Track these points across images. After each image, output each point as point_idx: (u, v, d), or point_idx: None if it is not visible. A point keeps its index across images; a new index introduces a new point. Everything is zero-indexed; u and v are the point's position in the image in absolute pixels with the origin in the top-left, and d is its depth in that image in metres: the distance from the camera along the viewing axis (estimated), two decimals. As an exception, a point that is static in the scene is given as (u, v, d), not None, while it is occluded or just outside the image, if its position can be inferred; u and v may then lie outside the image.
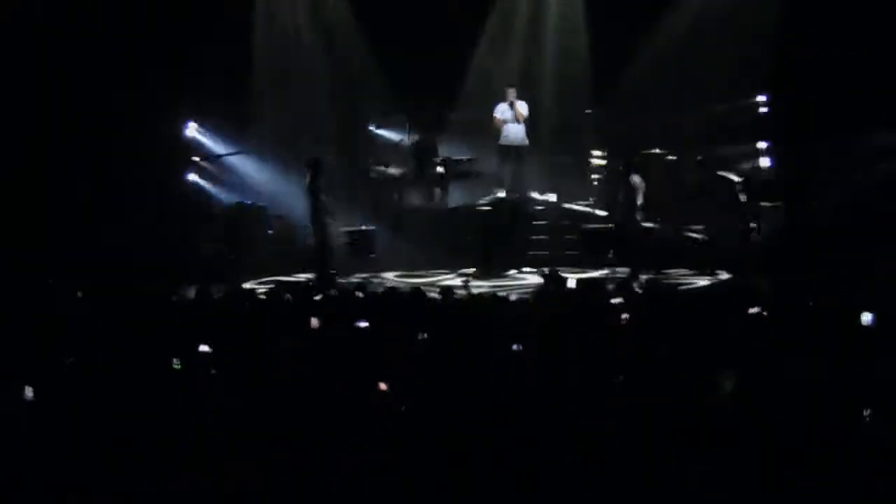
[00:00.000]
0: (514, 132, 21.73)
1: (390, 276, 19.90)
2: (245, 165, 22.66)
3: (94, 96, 21.04)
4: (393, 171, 21.81)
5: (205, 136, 22.76)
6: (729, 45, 21.82)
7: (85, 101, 20.95)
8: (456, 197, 22.17)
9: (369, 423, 8.62)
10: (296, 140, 22.83)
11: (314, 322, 11.96)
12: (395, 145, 22.98)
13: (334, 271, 19.21)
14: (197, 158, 22.46)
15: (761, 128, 21.99)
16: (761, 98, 22.04)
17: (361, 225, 20.93)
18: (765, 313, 11.72)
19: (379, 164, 21.97)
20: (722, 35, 21.99)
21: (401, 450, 8.25)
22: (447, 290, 13.69)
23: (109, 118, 21.10)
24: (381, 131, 23.35)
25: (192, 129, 22.63)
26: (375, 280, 19.15)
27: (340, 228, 20.26)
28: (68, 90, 20.81)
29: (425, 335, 11.04)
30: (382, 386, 9.33)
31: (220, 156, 22.60)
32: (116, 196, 20.83)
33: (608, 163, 22.25)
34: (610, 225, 20.38)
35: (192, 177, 22.37)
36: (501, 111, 21.69)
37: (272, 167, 22.57)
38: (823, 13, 20.70)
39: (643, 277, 17.25)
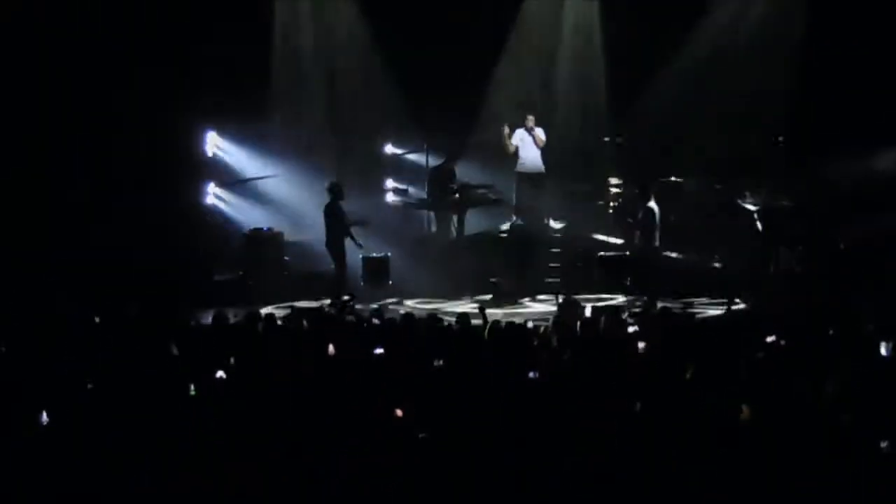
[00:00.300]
0: (531, 159, 21.71)
1: (407, 303, 19.88)
2: (264, 187, 22.66)
3: (112, 113, 21.11)
4: None
5: (226, 153, 22.75)
6: (748, 74, 21.85)
7: (102, 119, 21.02)
8: (473, 223, 22.15)
9: (385, 447, 8.61)
10: (314, 163, 22.83)
11: (331, 349, 11.97)
12: (414, 170, 23.05)
13: (352, 297, 19.20)
14: (219, 181, 22.45)
15: (781, 157, 21.98)
16: (780, 128, 22.03)
17: (379, 251, 20.91)
18: (782, 342, 11.70)
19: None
20: (741, 64, 22.02)
21: (416, 475, 8.24)
22: (464, 317, 13.68)
23: (127, 135, 21.13)
24: (400, 154, 23.43)
25: (211, 146, 22.59)
26: (392, 307, 19.15)
27: (359, 255, 20.25)
28: (84, 103, 20.88)
29: (441, 362, 11.04)
30: (398, 412, 9.33)
31: (242, 181, 22.60)
32: (135, 217, 20.77)
33: (625, 190, 22.22)
34: (627, 252, 20.35)
35: (211, 198, 22.38)
36: (520, 137, 21.66)
37: (290, 190, 22.55)
38: (844, 42, 20.74)
39: (660, 305, 17.23)
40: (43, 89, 20.78)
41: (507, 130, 21.61)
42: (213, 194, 22.41)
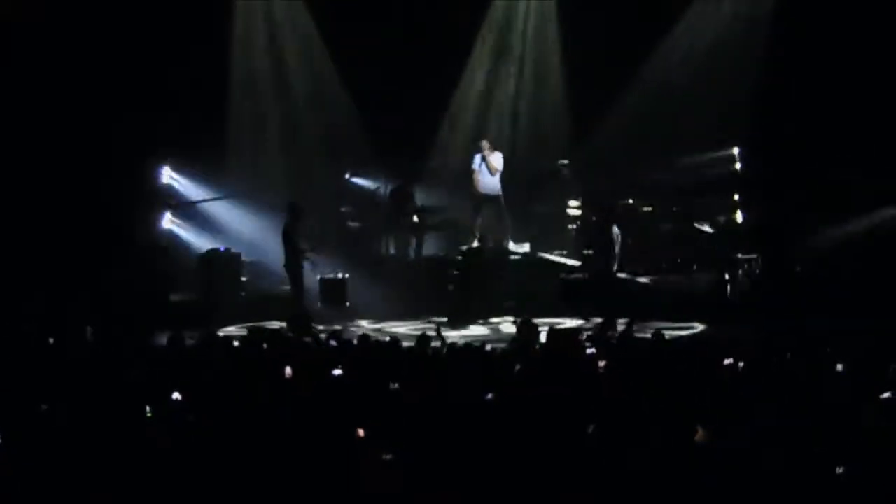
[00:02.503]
0: (487, 182, 21.74)
1: (364, 325, 19.84)
2: (219, 211, 22.62)
3: (68, 140, 21.05)
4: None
5: (179, 181, 22.73)
6: (705, 97, 21.99)
7: (58, 145, 20.94)
8: (431, 246, 22.18)
9: (349, 467, 8.58)
10: (270, 186, 22.84)
11: (288, 371, 11.93)
12: (370, 194, 23.05)
13: (309, 318, 19.14)
14: (171, 205, 22.38)
15: (736, 180, 22.14)
16: (736, 151, 22.18)
17: (336, 273, 20.86)
18: (739, 364, 11.73)
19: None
20: (699, 88, 22.16)
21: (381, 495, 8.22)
22: (422, 339, 13.65)
23: (82, 162, 21.07)
24: (356, 179, 23.40)
25: (166, 175, 22.59)
26: (350, 328, 19.11)
27: (316, 276, 20.19)
28: (41, 132, 20.81)
29: (396, 385, 11.02)
30: (360, 432, 9.29)
31: (195, 202, 22.56)
32: (88, 241, 20.69)
33: (584, 213, 22.28)
34: (586, 275, 20.38)
35: (166, 223, 22.30)
36: (477, 163, 21.69)
37: (247, 212, 22.53)
38: (802, 68, 20.94)
39: (619, 327, 17.26)
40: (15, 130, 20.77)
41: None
42: (170, 220, 22.32)
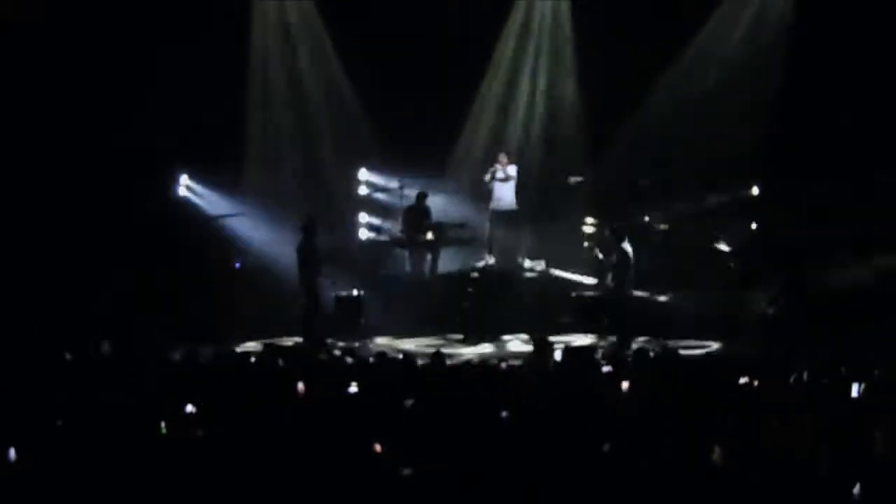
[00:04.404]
0: (505, 198, 21.75)
1: (379, 341, 19.82)
2: (237, 226, 22.62)
3: (86, 154, 21.08)
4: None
5: (197, 193, 22.75)
6: (723, 113, 21.93)
7: (76, 161, 20.96)
8: (446, 262, 22.16)
9: (368, 482, 8.57)
10: (288, 200, 22.87)
11: (300, 387, 11.93)
12: (386, 209, 23.09)
13: (324, 335, 19.15)
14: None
15: (754, 200, 22.09)
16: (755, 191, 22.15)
17: (351, 290, 20.85)
18: (755, 383, 11.71)
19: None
20: (717, 104, 22.10)
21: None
22: (437, 356, 13.66)
23: (101, 175, 21.10)
24: (373, 178, 23.49)
25: (183, 187, 22.60)
26: (365, 345, 19.10)
27: (332, 292, 20.18)
28: (49, 138, 20.85)
29: (411, 402, 11.01)
30: (377, 447, 9.29)
31: (213, 218, 22.56)
32: (106, 252, 20.70)
33: (600, 230, 22.24)
34: (600, 292, 20.35)
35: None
36: (494, 177, 21.69)
37: (264, 227, 22.54)
38: (823, 82, 20.90)
39: (634, 346, 17.24)
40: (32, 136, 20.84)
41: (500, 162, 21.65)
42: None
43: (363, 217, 23.50)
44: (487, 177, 21.71)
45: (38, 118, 20.78)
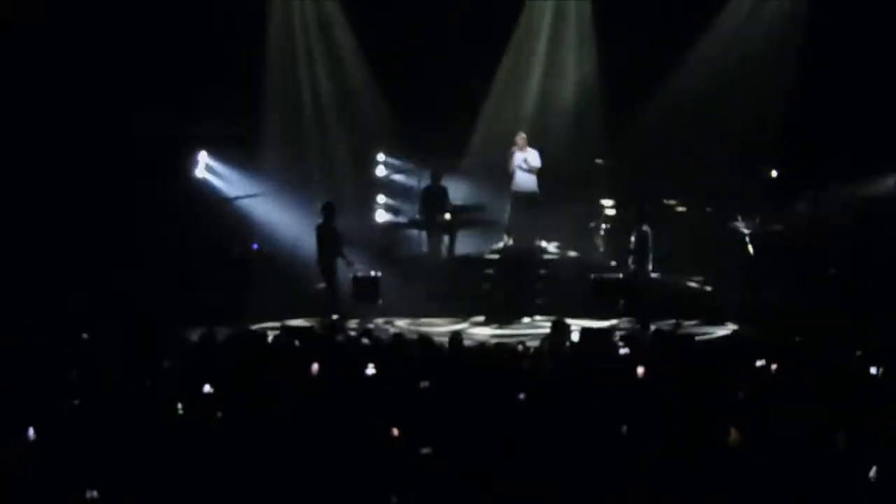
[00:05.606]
0: (525, 180, 21.67)
1: (397, 323, 19.84)
2: (255, 207, 22.63)
3: (108, 139, 21.12)
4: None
5: (216, 173, 22.76)
6: (742, 97, 21.88)
7: (82, 153, 20.99)
8: (464, 244, 22.14)
9: (387, 463, 8.60)
10: (306, 183, 22.91)
11: (315, 368, 11.94)
12: (405, 190, 23.11)
13: (341, 316, 19.16)
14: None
15: (772, 183, 22.05)
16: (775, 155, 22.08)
17: (369, 271, 20.85)
18: (772, 366, 11.69)
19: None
20: (737, 89, 22.04)
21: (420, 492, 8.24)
22: (455, 338, 13.65)
23: (123, 159, 21.13)
24: (392, 159, 23.51)
25: (201, 166, 22.58)
26: (382, 326, 19.11)
27: (349, 274, 20.19)
28: (62, 133, 20.87)
29: (427, 383, 11.02)
30: (395, 431, 9.31)
31: (232, 199, 22.56)
32: (126, 234, 20.74)
33: (619, 212, 22.21)
34: (619, 275, 20.32)
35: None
36: (514, 160, 21.58)
37: (283, 209, 22.55)
38: (841, 71, 20.85)
39: (652, 328, 17.22)
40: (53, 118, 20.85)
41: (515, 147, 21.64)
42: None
43: (381, 198, 23.52)
44: (511, 165, 21.58)
45: (38, 118, 20.78)
